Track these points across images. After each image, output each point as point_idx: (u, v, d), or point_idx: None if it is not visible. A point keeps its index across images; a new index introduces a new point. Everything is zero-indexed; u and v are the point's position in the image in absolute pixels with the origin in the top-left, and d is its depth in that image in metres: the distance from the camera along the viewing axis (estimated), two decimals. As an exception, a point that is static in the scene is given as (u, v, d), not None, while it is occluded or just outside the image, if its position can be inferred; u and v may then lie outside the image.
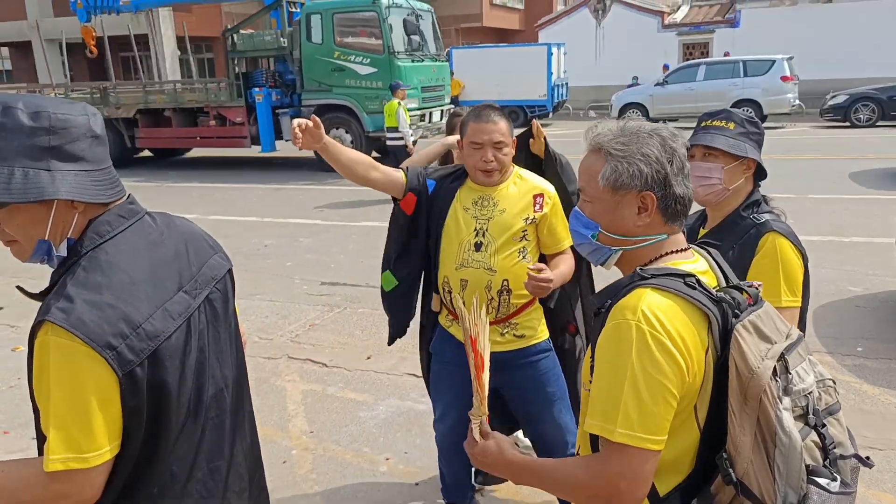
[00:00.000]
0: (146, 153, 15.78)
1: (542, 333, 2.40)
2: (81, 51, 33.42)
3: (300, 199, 10.42)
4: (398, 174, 2.39)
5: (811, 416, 1.15)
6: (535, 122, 2.58)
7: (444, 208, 2.32)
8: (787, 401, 1.13)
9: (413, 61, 12.51)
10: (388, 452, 3.41)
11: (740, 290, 1.23)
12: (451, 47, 22.70)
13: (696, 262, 1.30)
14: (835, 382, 1.23)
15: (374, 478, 3.21)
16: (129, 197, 1.29)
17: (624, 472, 1.13)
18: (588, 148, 1.32)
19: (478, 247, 2.25)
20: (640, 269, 1.24)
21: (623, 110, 18.74)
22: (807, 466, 1.12)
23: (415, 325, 2.70)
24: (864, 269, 5.72)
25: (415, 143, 10.14)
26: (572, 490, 1.20)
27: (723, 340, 1.17)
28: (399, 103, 9.96)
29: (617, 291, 1.24)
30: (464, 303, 1.76)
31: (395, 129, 9.91)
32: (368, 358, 4.54)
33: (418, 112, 12.40)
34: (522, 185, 2.34)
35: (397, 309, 2.59)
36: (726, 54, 20.73)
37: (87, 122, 1.20)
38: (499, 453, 1.32)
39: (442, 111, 13.41)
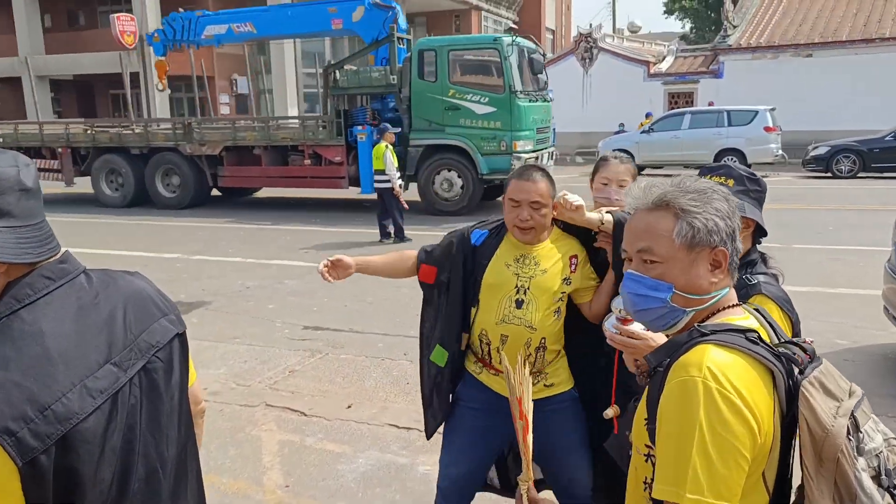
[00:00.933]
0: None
1: (569, 382, 2.42)
2: (69, 87, 33.57)
3: (286, 240, 10.33)
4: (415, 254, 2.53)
5: (884, 477, 1.09)
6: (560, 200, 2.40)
7: (486, 259, 2.38)
8: (862, 461, 1.08)
9: (530, 101, 11.98)
10: (367, 509, 3.26)
11: (797, 346, 1.19)
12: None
13: (748, 319, 1.26)
14: None
15: (351, 537, 3.06)
16: (62, 255, 1.17)
17: None
18: (648, 206, 1.27)
19: (519, 304, 2.29)
20: (698, 325, 1.20)
21: (609, 157, 18.93)
22: None
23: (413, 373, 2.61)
24: (852, 322, 5.69)
25: (401, 186, 10.08)
26: None
27: (788, 398, 1.13)
28: (386, 146, 9.98)
29: (675, 349, 1.18)
30: (502, 358, 1.74)
31: (382, 172, 9.90)
32: (349, 407, 4.40)
33: (533, 154, 11.93)
34: (561, 245, 2.38)
35: (443, 387, 2.49)
36: (710, 104, 21.15)
37: (15, 174, 1.09)
38: None
39: (549, 153, 12.94)
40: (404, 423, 4.11)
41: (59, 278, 1.13)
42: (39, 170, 15.18)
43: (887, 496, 1.08)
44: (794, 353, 1.16)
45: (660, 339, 1.61)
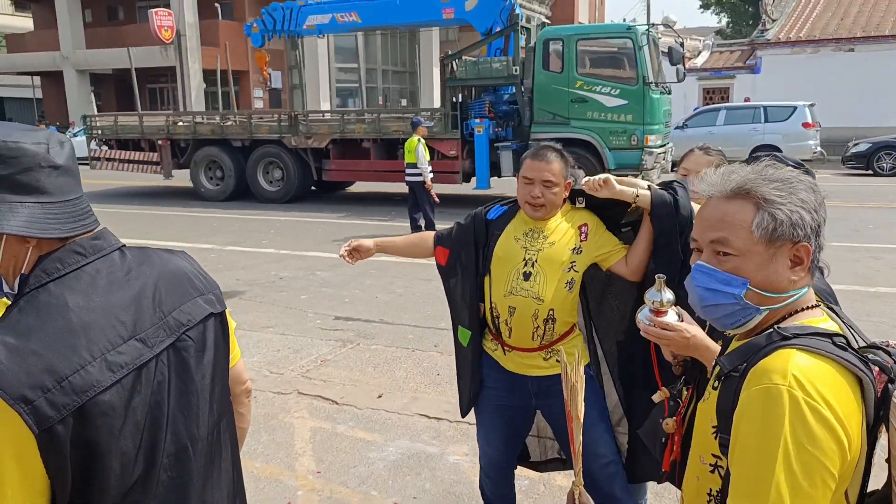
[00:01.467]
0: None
1: (584, 359, 2.42)
2: (109, 81, 34.23)
3: (319, 232, 10.44)
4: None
5: None
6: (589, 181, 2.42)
7: (498, 231, 2.45)
8: None
9: (660, 93, 11.40)
10: (397, 497, 3.30)
11: (882, 350, 1.11)
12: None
13: (828, 321, 1.17)
14: None
15: (382, 523, 3.10)
16: (97, 232, 1.19)
17: None
18: (726, 193, 1.18)
19: (526, 276, 2.33)
20: (778, 327, 1.11)
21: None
22: None
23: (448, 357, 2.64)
24: (891, 321, 5.57)
25: (432, 178, 10.08)
26: None
27: (875, 407, 1.05)
28: (419, 140, 10.01)
29: (752, 353, 1.10)
30: (561, 356, 1.75)
31: (414, 166, 9.94)
32: (380, 396, 4.45)
33: (662, 149, 11.47)
34: (571, 216, 2.43)
35: (470, 364, 2.55)
36: (746, 100, 20.75)
37: (43, 151, 1.12)
38: None
39: (671, 149, 12.50)
40: (434, 414, 4.14)
41: (90, 254, 1.15)
42: (137, 162, 15.22)
43: None
44: (883, 360, 1.08)
45: (695, 330, 1.57)
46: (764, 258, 1.15)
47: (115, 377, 1.08)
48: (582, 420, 1.43)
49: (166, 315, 1.21)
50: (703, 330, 1.76)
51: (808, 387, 1.01)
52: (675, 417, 1.85)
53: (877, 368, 1.09)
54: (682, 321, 1.61)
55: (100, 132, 15.61)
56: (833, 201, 12.03)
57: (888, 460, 1.04)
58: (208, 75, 28.28)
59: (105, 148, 15.67)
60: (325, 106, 27.55)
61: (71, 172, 1.17)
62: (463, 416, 2.66)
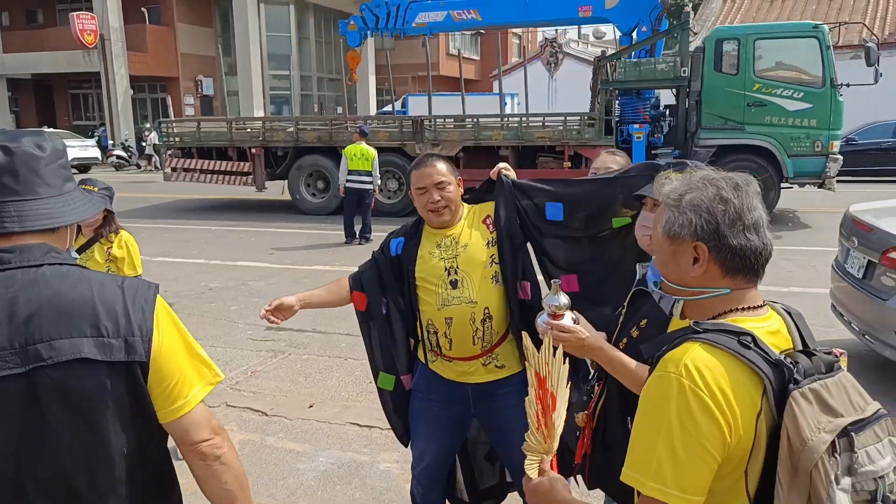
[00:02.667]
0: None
1: (519, 365, 2.46)
2: (27, 86, 32.72)
3: (252, 242, 10.25)
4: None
5: (879, 502, 1.07)
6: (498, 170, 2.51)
7: (412, 261, 2.44)
8: (847, 481, 1.05)
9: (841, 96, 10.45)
10: (326, 506, 3.28)
11: (812, 355, 1.17)
12: (407, 94, 23.05)
13: (766, 322, 1.24)
14: None
15: (310, 534, 3.07)
16: (12, 245, 1.18)
17: None
18: (657, 199, 1.36)
19: (454, 284, 2.36)
20: (695, 322, 1.21)
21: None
22: None
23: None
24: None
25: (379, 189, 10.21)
26: None
27: (780, 407, 1.11)
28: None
29: (667, 343, 1.21)
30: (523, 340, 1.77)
31: (368, 174, 10.02)
32: (311, 406, 4.41)
33: (840, 156, 10.56)
34: (473, 215, 2.48)
35: (403, 408, 2.59)
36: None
37: None
38: (550, 492, 1.32)
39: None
40: (366, 422, 4.14)
41: None
42: (223, 173, 13.49)
43: None
44: (796, 363, 1.14)
45: (590, 332, 1.68)
46: (668, 254, 1.28)
47: None
48: (559, 398, 1.46)
49: (28, 344, 1.15)
50: (610, 336, 1.84)
51: (696, 376, 1.11)
52: (585, 412, 1.92)
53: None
54: (578, 324, 1.68)
55: (178, 139, 13.98)
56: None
57: (779, 456, 1.10)
58: (135, 81, 27.43)
59: (182, 158, 13.90)
60: (259, 114, 27.09)
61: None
62: (406, 445, 2.66)
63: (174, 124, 14.64)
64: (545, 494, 1.33)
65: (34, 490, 1.18)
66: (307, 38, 31.15)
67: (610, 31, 18.44)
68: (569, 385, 1.49)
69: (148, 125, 26.36)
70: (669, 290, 1.32)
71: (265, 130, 13.37)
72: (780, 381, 1.12)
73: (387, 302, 2.50)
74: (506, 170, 2.50)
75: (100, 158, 23.27)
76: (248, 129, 13.83)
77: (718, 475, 1.12)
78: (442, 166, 2.40)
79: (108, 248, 3.45)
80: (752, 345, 1.14)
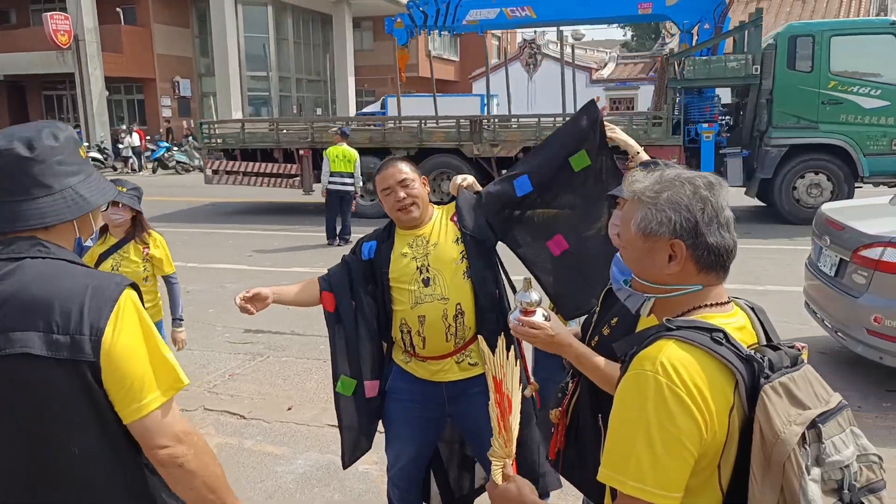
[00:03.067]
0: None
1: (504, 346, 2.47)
2: (0, 88, 32.10)
3: (230, 244, 10.17)
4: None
5: (846, 491, 1.09)
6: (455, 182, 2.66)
7: (385, 261, 2.45)
8: (816, 472, 1.07)
9: None
10: (305, 509, 3.27)
11: (777, 349, 1.19)
12: (386, 96, 23.01)
13: (733, 318, 1.26)
14: (881, 459, 1.15)
15: (289, 537, 3.05)
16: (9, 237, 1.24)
17: None
18: (627, 197, 1.32)
19: (426, 282, 2.38)
20: (668, 320, 1.21)
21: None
22: None
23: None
24: (776, 317, 5.95)
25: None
26: None
27: (751, 401, 1.13)
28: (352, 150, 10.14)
29: (642, 340, 1.21)
30: (480, 343, 1.81)
31: (350, 175, 9.98)
32: (289, 409, 4.39)
33: None
34: (441, 214, 2.51)
35: (355, 412, 2.52)
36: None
37: None
38: (518, 497, 1.32)
39: None
40: (345, 424, 4.12)
41: None
42: (269, 175, 13.08)
43: None
44: (765, 357, 1.15)
45: (559, 329, 1.70)
46: (642, 251, 1.27)
47: None
48: (515, 400, 1.48)
49: None
50: (585, 334, 1.86)
51: (672, 373, 1.11)
52: (559, 408, 1.93)
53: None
54: (549, 321, 1.70)
55: (220, 141, 13.59)
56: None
57: (752, 449, 1.12)
58: (111, 82, 27.09)
59: (223, 160, 13.47)
60: (237, 115, 26.87)
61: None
62: (345, 468, 2.60)
63: (215, 125, 14.15)
64: (513, 500, 1.33)
65: None
66: (285, 38, 30.96)
67: (589, 34, 18.50)
68: (521, 387, 1.50)
69: (124, 126, 26.08)
70: (640, 288, 1.31)
71: (313, 131, 12.98)
72: (752, 376, 1.13)
73: (355, 305, 2.49)
74: (464, 183, 2.58)
75: (74, 160, 22.93)
76: (294, 130, 13.43)
77: (694, 471, 1.13)
78: (403, 165, 2.44)
79: (144, 249, 3.45)
80: (724, 341, 1.15)
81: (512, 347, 1.55)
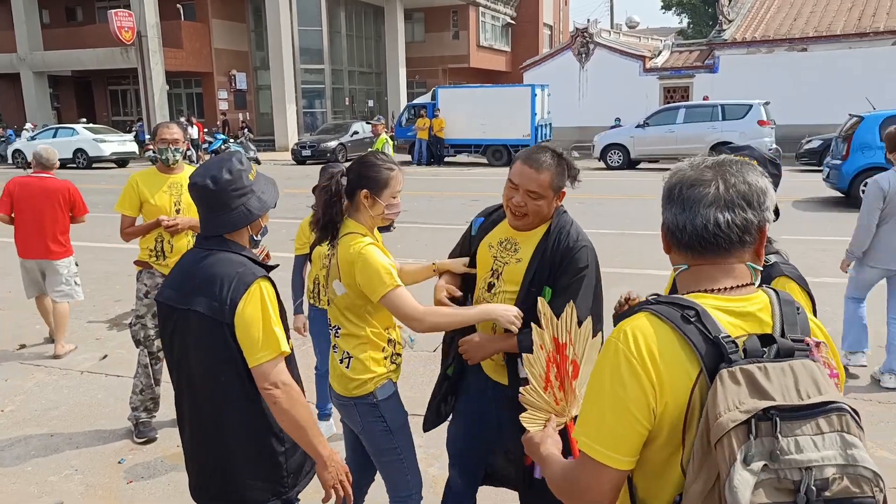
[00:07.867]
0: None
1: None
2: (68, 83, 33.57)
3: (282, 233, 10.41)
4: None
5: (801, 494, 1.00)
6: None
7: (477, 241, 2.36)
8: (757, 465, 1.00)
9: None
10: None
11: (771, 341, 1.14)
12: (437, 87, 23.13)
13: (743, 303, 1.21)
14: (877, 476, 1.03)
15: None
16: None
17: (579, 477, 1.21)
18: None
19: (489, 287, 2.27)
20: (654, 294, 1.27)
21: (605, 151, 19.14)
22: None
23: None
24: (834, 308, 5.83)
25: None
26: (552, 484, 1.30)
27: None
28: (386, 140, 10.23)
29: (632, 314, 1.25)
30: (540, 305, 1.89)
31: None
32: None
33: None
34: (556, 235, 2.19)
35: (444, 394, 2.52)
36: (705, 98, 21.30)
37: (238, 172, 1.96)
38: (542, 443, 1.44)
39: None
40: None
41: (197, 245, 2.02)
42: None
43: None
44: (743, 344, 1.12)
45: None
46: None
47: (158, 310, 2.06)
48: (585, 371, 1.58)
49: (187, 294, 1.91)
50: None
51: (631, 342, 1.16)
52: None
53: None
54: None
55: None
56: (788, 196, 12.44)
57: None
58: (171, 77, 27.98)
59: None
60: (291, 108, 27.38)
61: (219, 191, 1.96)
62: (425, 431, 2.54)
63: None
64: (536, 441, 1.46)
65: (179, 378, 2.01)
66: (338, 31, 31.41)
67: (644, 21, 18.08)
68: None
69: (182, 119, 26.93)
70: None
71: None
72: (716, 358, 1.11)
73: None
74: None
75: (137, 153, 23.84)
76: None
77: (655, 446, 1.17)
78: (546, 177, 2.12)
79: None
80: (692, 319, 1.15)
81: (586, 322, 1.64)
